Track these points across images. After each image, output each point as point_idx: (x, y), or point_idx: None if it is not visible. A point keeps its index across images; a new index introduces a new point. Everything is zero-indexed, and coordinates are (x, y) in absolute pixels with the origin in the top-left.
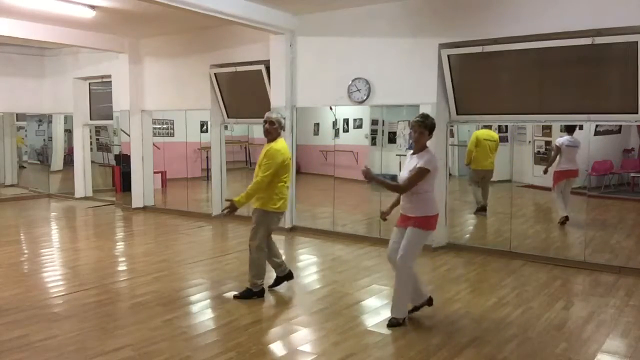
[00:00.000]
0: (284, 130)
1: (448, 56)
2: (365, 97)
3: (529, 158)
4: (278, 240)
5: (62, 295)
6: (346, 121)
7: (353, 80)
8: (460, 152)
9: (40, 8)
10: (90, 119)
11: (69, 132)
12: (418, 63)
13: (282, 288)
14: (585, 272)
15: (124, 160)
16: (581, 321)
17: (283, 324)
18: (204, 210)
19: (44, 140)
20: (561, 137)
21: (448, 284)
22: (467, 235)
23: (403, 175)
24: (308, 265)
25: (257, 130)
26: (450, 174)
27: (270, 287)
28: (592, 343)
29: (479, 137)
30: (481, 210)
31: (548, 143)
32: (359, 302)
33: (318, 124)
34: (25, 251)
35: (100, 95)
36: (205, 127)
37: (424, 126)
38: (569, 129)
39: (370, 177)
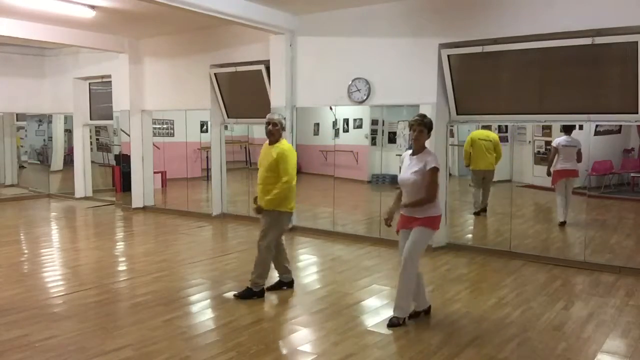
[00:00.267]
0: (284, 131)
1: (448, 56)
2: (365, 97)
3: (529, 158)
4: None
5: (62, 295)
6: (346, 121)
7: (353, 80)
8: (460, 152)
9: (40, 8)
10: (90, 119)
11: (69, 132)
12: (418, 63)
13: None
14: (585, 272)
15: (124, 160)
16: (581, 321)
17: (283, 324)
18: (204, 210)
19: (44, 140)
20: (559, 137)
21: (448, 284)
22: (467, 235)
23: (405, 176)
24: (308, 265)
25: (257, 130)
26: (450, 174)
27: (268, 289)
28: (592, 343)
29: (473, 138)
30: (482, 210)
31: (548, 143)
32: (359, 302)
33: (318, 124)
34: (25, 251)
35: (100, 95)
36: (205, 127)
37: (423, 124)
38: (567, 129)
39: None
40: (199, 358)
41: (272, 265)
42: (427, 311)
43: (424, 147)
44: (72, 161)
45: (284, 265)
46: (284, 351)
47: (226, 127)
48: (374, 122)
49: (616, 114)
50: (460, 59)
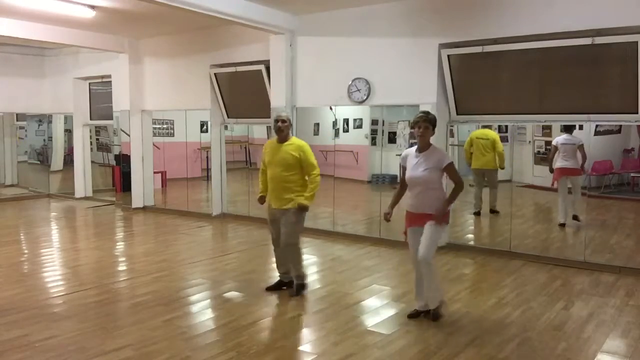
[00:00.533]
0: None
1: (448, 56)
2: (365, 97)
3: (529, 158)
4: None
5: (62, 295)
6: (346, 121)
7: (353, 80)
8: (460, 152)
9: (40, 8)
10: (90, 119)
11: (69, 132)
12: (418, 63)
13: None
14: (585, 272)
15: (124, 160)
16: (581, 321)
17: (283, 324)
18: (204, 210)
19: (44, 140)
20: (559, 136)
21: (448, 284)
22: (467, 235)
23: (416, 174)
24: (308, 265)
25: (257, 130)
26: None
27: (268, 289)
28: (592, 343)
29: (472, 137)
30: (492, 211)
31: (548, 143)
32: (359, 302)
33: (318, 124)
34: (25, 251)
35: (100, 95)
36: (205, 127)
37: (428, 121)
38: (567, 129)
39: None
40: (199, 358)
41: (275, 265)
42: (427, 312)
43: (429, 144)
44: (72, 161)
45: (287, 264)
46: (284, 351)
47: (226, 127)
48: (374, 122)
49: (616, 114)
50: (460, 59)
